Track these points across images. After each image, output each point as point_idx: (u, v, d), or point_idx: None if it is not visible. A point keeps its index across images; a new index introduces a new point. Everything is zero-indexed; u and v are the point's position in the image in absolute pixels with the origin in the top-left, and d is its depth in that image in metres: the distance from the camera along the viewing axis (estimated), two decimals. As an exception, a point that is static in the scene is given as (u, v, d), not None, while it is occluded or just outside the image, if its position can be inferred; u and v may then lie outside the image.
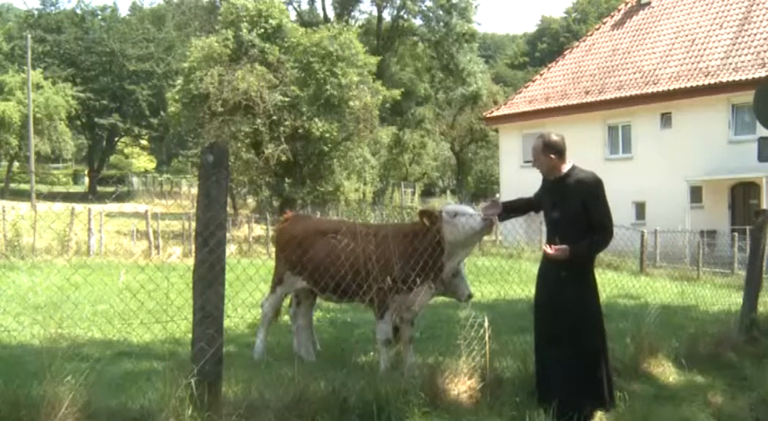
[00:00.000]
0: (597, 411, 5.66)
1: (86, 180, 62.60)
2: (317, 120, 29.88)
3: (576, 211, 5.60)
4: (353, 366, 6.32)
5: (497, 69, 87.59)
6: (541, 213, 6.08)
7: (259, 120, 29.59)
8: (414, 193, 55.91)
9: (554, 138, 5.83)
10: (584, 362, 5.60)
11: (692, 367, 7.17)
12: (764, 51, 26.04)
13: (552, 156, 5.74)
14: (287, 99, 29.87)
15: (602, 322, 5.79)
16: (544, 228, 6.17)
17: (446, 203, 6.97)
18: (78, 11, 61.44)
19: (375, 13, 50.64)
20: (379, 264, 6.36)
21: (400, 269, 6.27)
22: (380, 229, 6.88)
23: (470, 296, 6.84)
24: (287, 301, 7.67)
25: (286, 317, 7.79)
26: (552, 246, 5.57)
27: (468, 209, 6.31)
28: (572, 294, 5.60)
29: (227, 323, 5.29)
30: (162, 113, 50.62)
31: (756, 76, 24.50)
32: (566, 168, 5.77)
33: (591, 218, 5.59)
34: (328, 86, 29.94)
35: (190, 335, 4.78)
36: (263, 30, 31.33)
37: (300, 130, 30.08)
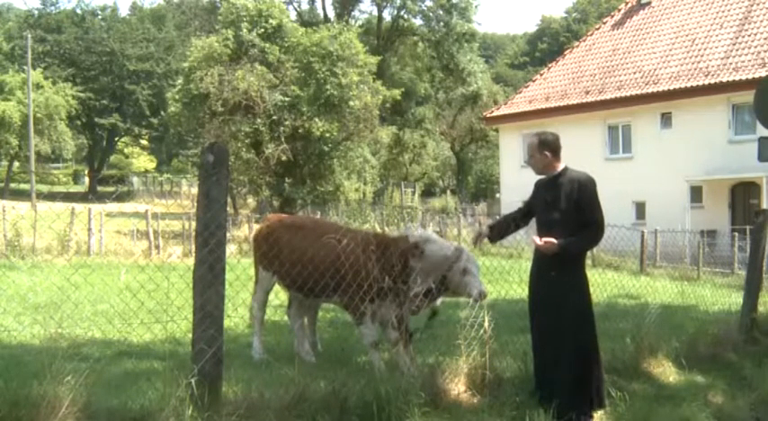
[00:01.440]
0: (596, 410, 5.68)
1: (86, 180, 62.65)
2: (317, 119, 29.88)
3: (570, 210, 5.61)
4: (353, 366, 6.33)
5: (497, 69, 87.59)
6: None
7: (259, 120, 29.59)
8: (414, 193, 55.91)
9: (549, 136, 5.87)
10: (581, 361, 5.61)
11: (693, 367, 7.17)
12: (764, 51, 26.04)
13: (547, 153, 5.77)
14: (287, 99, 29.87)
15: (593, 320, 5.80)
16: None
17: (408, 227, 6.77)
18: (78, 11, 61.51)
19: (375, 12, 50.81)
20: (342, 268, 6.37)
21: (363, 278, 6.28)
22: (348, 233, 6.80)
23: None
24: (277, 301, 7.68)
25: (287, 317, 7.80)
26: (542, 239, 5.58)
27: (434, 236, 6.34)
28: (564, 294, 5.61)
29: (227, 323, 5.30)
30: (162, 113, 50.61)
31: (756, 75, 24.47)
32: (560, 167, 5.80)
33: (584, 215, 5.61)
34: (328, 86, 29.93)
35: (190, 335, 4.78)
36: (263, 29, 31.33)
37: (300, 130, 30.07)
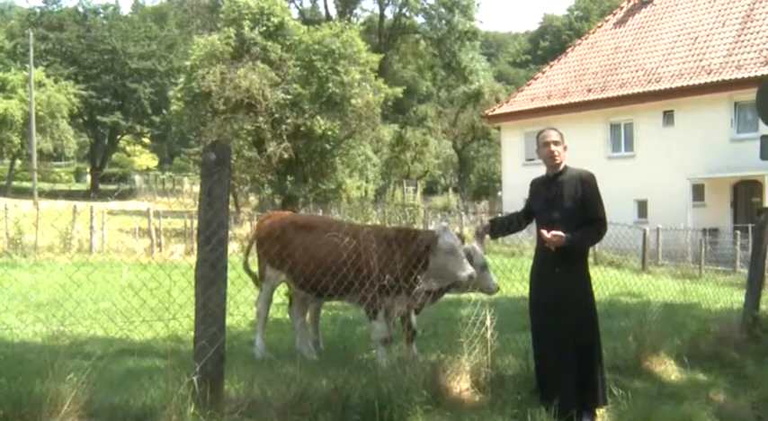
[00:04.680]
0: (597, 408, 5.68)
1: (88, 178, 62.70)
2: (319, 118, 29.87)
3: (574, 208, 5.62)
4: (355, 364, 6.33)
5: (499, 67, 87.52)
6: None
7: (261, 119, 29.58)
8: (416, 191, 55.93)
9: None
10: (582, 358, 5.61)
11: (694, 365, 7.17)
12: (767, 49, 26.00)
13: (565, 146, 5.81)
14: (289, 97, 29.85)
15: (597, 318, 5.80)
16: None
17: (445, 226, 6.80)
18: (80, 9, 61.57)
19: (377, 10, 50.80)
20: (355, 264, 6.38)
21: (377, 272, 6.29)
22: (361, 230, 6.83)
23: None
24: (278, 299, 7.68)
25: (288, 315, 7.81)
26: (549, 231, 5.59)
27: (460, 250, 6.27)
28: (567, 291, 5.61)
29: (229, 321, 5.30)
30: (164, 111, 50.62)
31: (759, 73, 24.47)
32: (563, 164, 5.80)
33: (587, 212, 5.61)
34: (330, 84, 29.92)
35: (192, 333, 4.78)
36: (265, 28, 31.32)
37: (302, 128, 30.07)
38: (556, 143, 5.78)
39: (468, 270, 6.17)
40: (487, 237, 6.42)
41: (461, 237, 6.68)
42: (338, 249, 6.51)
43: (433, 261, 6.29)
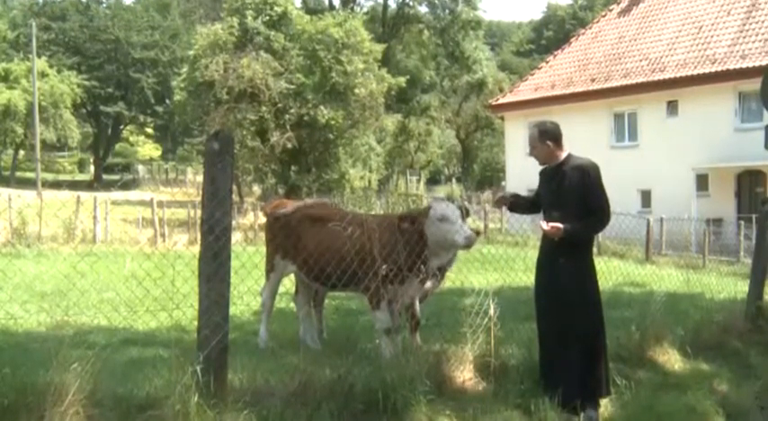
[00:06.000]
0: (601, 398, 5.69)
1: (92, 168, 62.73)
2: (322, 107, 29.87)
3: (575, 197, 5.61)
4: (359, 354, 6.33)
5: (503, 57, 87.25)
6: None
7: (264, 108, 29.58)
8: (419, 181, 55.94)
9: (549, 125, 5.87)
10: (586, 349, 5.62)
11: (698, 355, 7.17)
12: (772, 38, 25.89)
13: (549, 143, 5.77)
14: (292, 87, 29.85)
15: (602, 309, 5.80)
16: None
17: (438, 198, 6.88)
18: (83, -2, 61.45)
19: (380, 0, 50.59)
20: (362, 254, 6.39)
21: (384, 260, 6.29)
22: (366, 219, 6.85)
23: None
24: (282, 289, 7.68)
25: (292, 305, 7.81)
26: (548, 222, 5.60)
27: (456, 217, 6.25)
28: (571, 282, 5.61)
29: (232, 310, 5.30)
30: (167, 101, 50.64)
31: (763, 63, 24.36)
32: (563, 155, 5.79)
33: (589, 202, 5.60)
34: (334, 74, 29.92)
35: (195, 323, 4.79)
36: (268, 17, 31.29)
37: (306, 118, 30.07)
38: (533, 148, 5.87)
39: (466, 233, 6.16)
40: (504, 208, 6.38)
41: (465, 210, 6.64)
42: (345, 239, 6.51)
43: (430, 232, 6.27)
